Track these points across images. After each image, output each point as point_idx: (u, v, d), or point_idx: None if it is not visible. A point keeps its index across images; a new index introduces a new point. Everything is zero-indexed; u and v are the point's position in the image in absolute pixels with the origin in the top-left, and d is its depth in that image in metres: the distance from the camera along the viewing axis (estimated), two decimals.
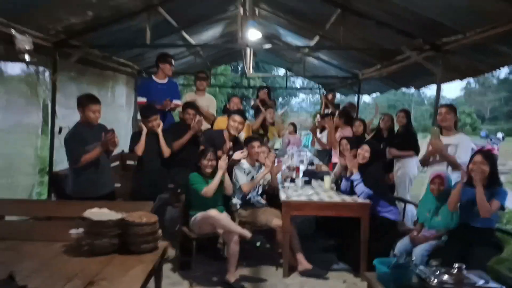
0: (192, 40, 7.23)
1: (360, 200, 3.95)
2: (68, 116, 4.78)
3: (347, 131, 5.78)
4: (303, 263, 3.94)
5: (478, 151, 3.47)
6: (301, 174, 4.92)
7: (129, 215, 2.53)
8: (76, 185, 3.71)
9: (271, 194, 4.54)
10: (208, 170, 3.92)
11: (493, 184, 3.23)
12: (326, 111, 7.81)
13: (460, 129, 4.37)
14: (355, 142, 4.50)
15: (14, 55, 3.77)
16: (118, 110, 6.88)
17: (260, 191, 4.42)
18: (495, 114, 41.88)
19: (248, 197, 4.25)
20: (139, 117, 5.00)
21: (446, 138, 3.94)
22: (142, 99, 4.94)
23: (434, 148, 3.88)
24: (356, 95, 8.77)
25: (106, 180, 3.87)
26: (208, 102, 5.54)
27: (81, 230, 2.52)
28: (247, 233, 3.61)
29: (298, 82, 33.37)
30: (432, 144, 3.89)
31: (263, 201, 4.43)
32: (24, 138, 4.39)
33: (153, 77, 5.13)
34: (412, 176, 5.21)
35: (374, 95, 10.30)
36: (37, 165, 4.58)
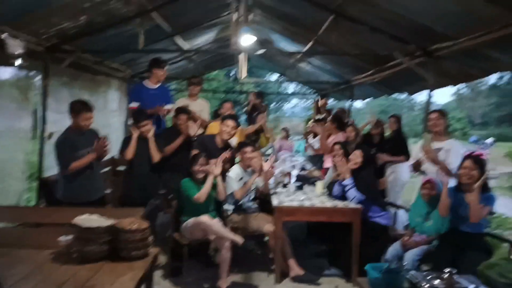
0: (185, 45, 7.23)
1: (352, 205, 3.97)
2: (59, 121, 4.74)
3: (339, 137, 5.80)
4: (295, 269, 3.93)
5: (467, 156, 3.50)
6: (293, 180, 4.92)
7: (120, 222, 2.51)
8: (67, 190, 3.68)
9: (263, 200, 4.54)
10: (200, 176, 3.91)
11: (482, 189, 3.25)
12: (319, 116, 7.83)
13: (451, 134, 4.42)
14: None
15: (5, 59, 3.74)
16: (110, 115, 6.84)
17: (252, 197, 4.41)
18: (486, 120, 42.28)
19: (240, 203, 4.24)
20: (131, 122, 4.98)
21: (437, 143, 3.97)
22: (134, 104, 4.93)
23: (427, 155, 3.91)
24: (349, 100, 8.82)
25: (97, 186, 3.85)
26: (201, 107, 5.53)
27: (70, 236, 2.50)
28: (239, 239, 3.60)
29: (291, 87, 33.45)
30: (425, 150, 3.91)
31: (255, 207, 4.42)
32: (15, 143, 4.34)
33: (145, 82, 5.12)
34: (403, 181, 5.24)
35: (367, 100, 10.33)
36: (26, 171, 4.53)
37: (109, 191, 4.65)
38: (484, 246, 3.36)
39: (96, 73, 6.14)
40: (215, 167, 3.88)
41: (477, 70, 4.43)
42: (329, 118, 6.37)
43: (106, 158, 4.19)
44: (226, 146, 4.53)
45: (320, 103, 8.25)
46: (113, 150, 5.21)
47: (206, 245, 4.18)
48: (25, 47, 3.84)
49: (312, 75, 9.79)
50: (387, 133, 5.71)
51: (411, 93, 7.07)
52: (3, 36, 3.63)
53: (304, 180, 4.96)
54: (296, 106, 42.15)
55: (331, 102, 10.48)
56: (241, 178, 4.26)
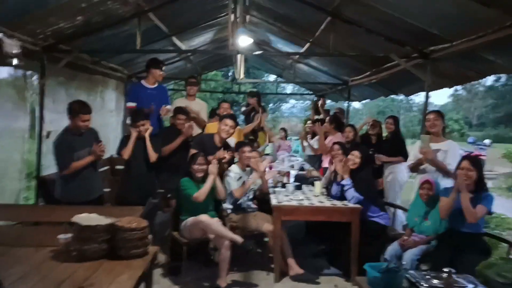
0: (182, 46, 7.23)
1: (351, 205, 3.97)
2: (56, 121, 4.74)
3: (338, 137, 5.81)
4: (294, 268, 3.94)
5: (465, 157, 3.51)
6: (291, 179, 4.93)
7: (119, 220, 2.51)
8: (65, 190, 3.68)
9: (262, 199, 4.54)
10: (199, 175, 3.91)
11: (479, 189, 3.27)
12: (317, 116, 7.85)
13: (448, 135, 4.43)
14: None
15: (2, 59, 3.72)
16: (108, 115, 6.83)
17: (251, 196, 4.41)
18: (482, 121, 42.51)
19: (239, 202, 4.24)
20: (128, 121, 4.98)
21: (434, 144, 3.98)
22: (131, 104, 4.92)
23: (425, 156, 3.92)
24: (346, 101, 8.84)
25: (95, 185, 3.85)
26: (198, 107, 5.52)
27: (69, 235, 2.49)
28: (238, 238, 3.60)
29: (289, 88, 33.49)
30: (423, 152, 3.92)
31: (254, 206, 4.42)
32: (12, 143, 4.32)
33: (143, 82, 5.11)
34: (402, 181, 5.25)
35: (364, 101, 10.37)
36: (24, 170, 4.52)
37: (107, 190, 4.64)
38: (482, 246, 3.36)
39: (93, 73, 6.12)
40: (212, 165, 3.88)
41: (474, 72, 4.45)
42: (327, 119, 6.38)
43: (104, 157, 4.18)
44: (225, 145, 4.52)
45: (318, 103, 8.26)
46: (111, 149, 5.21)
47: (205, 244, 4.18)
48: (21, 47, 3.83)
49: (309, 75, 9.81)
50: (385, 134, 5.72)
51: (408, 94, 7.10)
52: (0, 36, 3.62)
53: (303, 180, 4.97)
54: (294, 106, 42.23)
55: (328, 103, 10.51)
56: (240, 178, 4.26)
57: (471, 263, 3.16)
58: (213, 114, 5.98)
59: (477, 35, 3.58)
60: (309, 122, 7.83)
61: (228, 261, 3.65)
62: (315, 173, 5.64)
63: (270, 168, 4.97)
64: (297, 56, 8.41)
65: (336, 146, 4.54)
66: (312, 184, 4.71)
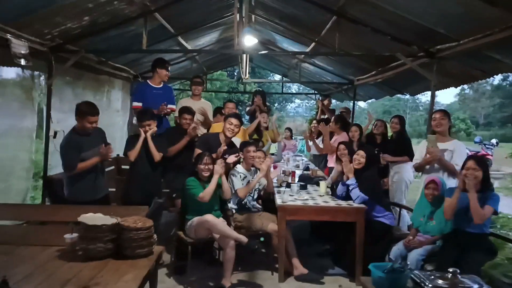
0: (188, 46, 7.25)
1: (356, 204, 3.96)
2: (63, 120, 4.78)
3: (343, 137, 5.79)
4: (299, 268, 3.94)
5: (470, 156, 3.49)
6: (296, 179, 4.92)
7: (124, 220, 2.52)
8: (72, 189, 3.70)
9: (266, 199, 4.54)
10: (205, 175, 3.92)
11: (485, 189, 3.25)
12: (322, 116, 7.83)
13: (454, 135, 4.41)
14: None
15: (10, 60, 3.76)
16: (114, 115, 6.88)
17: (255, 196, 4.42)
18: (489, 120, 42.21)
19: (243, 202, 4.25)
20: (134, 121, 5.00)
21: (441, 144, 3.95)
22: (137, 104, 4.94)
23: (432, 155, 3.90)
24: (352, 101, 8.82)
25: (101, 184, 3.87)
26: (204, 107, 5.53)
27: (75, 234, 2.51)
28: (243, 238, 3.61)
29: (294, 87, 33.45)
30: (430, 151, 3.89)
31: (258, 206, 4.43)
32: (19, 142, 4.37)
33: (148, 81, 5.14)
34: (408, 181, 5.23)
35: (370, 100, 10.33)
36: (31, 169, 4.56)
37: (113, 190, 4.66)
38: (488, 246, 3.35)
39: (99, 73, 6.16)
40: (218, 164, 3.89)
41: (480, 72, 4.42)
42: (333, 118, 6.36)
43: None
44: (230, 144, 4.53)
45: (324, 103, 8.25)
46: (117, 149, 5.23)
47: (210, 244, 4.20)
48: (29, 47, 3.87)
49: (314, 75, 9.80)
50: (390, 133, 5.69)
51: (414, 93, 7.06)
52: (8, 36, 3.66)
53: (308, 180, 4.96)
54: (299, 106, 42.19)
55: (334, 102, 10.48)
56: (244, 177, 4.26)
57: (477, 263, 3.17)
58: (217, 113, 5.98)
59: (484, 34, 3.56)
60: (314, 121, 7.82)
61: (233, 260, 3.66)
62: (320, 172, 5.63)
63: (275, 167, 4.97)
64: (303, 56, 8.39)
65: (342, 146, 4.53)
66: (317, 184, 4.70)
